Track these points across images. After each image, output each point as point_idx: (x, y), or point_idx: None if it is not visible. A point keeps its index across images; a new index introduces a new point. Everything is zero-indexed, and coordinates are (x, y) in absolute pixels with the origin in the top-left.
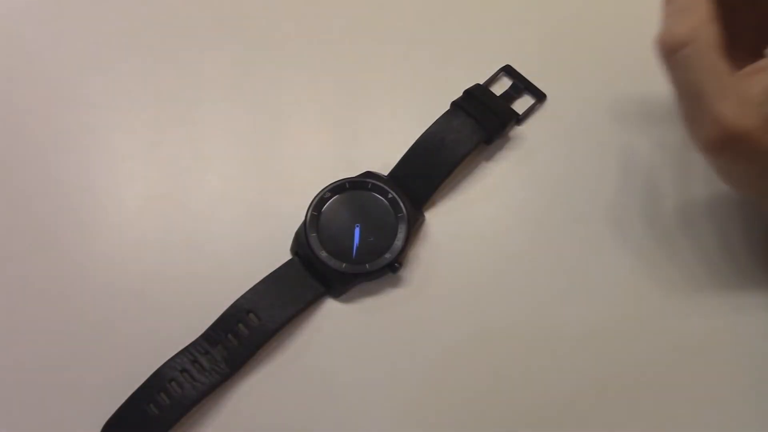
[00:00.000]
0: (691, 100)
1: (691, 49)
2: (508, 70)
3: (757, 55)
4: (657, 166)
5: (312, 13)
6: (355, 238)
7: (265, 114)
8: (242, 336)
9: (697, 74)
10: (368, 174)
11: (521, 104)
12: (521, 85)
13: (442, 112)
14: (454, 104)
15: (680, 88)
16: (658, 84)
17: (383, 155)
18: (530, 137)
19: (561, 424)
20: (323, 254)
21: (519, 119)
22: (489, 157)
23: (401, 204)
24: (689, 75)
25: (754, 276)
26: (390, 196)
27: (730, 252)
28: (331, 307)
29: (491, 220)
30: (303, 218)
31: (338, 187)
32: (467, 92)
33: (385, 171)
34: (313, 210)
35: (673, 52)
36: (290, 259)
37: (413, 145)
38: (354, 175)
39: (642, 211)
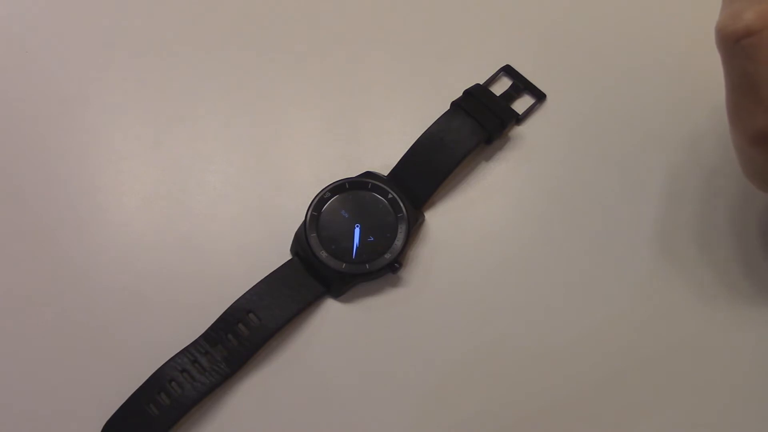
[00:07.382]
0: (745, 89)
1: (758, 38)
2: (508, 70)
3: None
4: (657, 166)
5: (312, 13)
6: (355, 238)
7: (265, 113)
8: (242, 336)
9: (759, 65)
10: (368, 174)
11: (521, 104)
12: (521, 85)
13: (442, 112)
14: (454, 104)
15: (735, 77)
16: (657, 83)
17: (383, 155)
18: (530, 137)
19: (562, 425)
20: (323, 254)
21: (519, 119)
22: (489, 157)
23: (401, 204)
24: (749, 65)
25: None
26: (390, 196)
27: (729, 248)
28: (331, 307)
29: (491, 220)
30: (303, 218)
31: (338, 187)
32: (467, 92)
33: (385, 171)
34: (313, 210)
35: (736, 41)
36: (290, 259)
37: (413, 145)
38: (354, 175)
39: (642, 211)
